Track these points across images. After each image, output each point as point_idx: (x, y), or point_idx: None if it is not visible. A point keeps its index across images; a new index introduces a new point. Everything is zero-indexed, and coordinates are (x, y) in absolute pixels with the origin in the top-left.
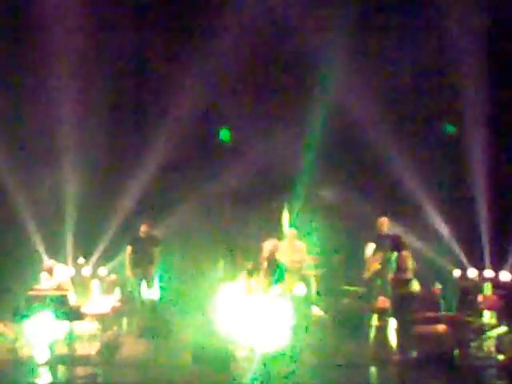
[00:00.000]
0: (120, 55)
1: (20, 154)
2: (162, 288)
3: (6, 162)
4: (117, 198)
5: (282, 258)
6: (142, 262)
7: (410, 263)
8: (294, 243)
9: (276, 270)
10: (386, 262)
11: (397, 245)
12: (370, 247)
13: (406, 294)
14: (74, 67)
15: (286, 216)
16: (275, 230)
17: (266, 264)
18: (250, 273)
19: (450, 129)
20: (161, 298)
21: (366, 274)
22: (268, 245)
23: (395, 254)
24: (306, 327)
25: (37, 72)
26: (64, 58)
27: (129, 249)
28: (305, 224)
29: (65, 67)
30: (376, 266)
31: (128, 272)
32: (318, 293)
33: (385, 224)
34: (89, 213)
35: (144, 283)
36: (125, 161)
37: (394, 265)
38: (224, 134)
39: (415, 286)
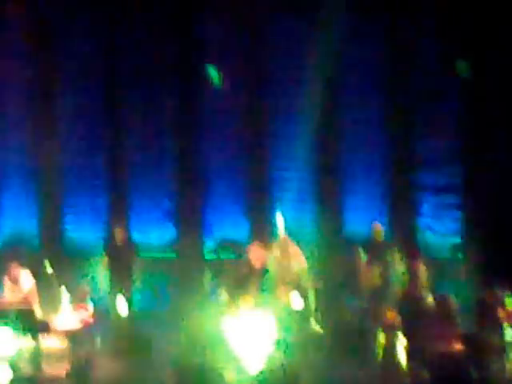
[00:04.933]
0: None
1: None
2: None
3: None
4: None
5: (275, 267)
6: (119, 273)
7: (425, 277)
8: (288, 250)
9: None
10: (387, 279)
11: (409, 254)
12: (361, 254)
13: (418, 311)
14: None
15: (279, 217)
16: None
17: (257, 276)
18: (236, 286)
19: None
20: (140, 313)
21: (362, 289)
22: (255, 253)
23: (407, 265)
24: (304, 346)
25: None
26: None
27: (104, 261)
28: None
29: None
30: (375, 282)
31: (103, 286)
32: (316, 307)
33: (380, 230)
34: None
35: (121, 297)
36: None
37: (404, 277)
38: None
39: (429, 301)
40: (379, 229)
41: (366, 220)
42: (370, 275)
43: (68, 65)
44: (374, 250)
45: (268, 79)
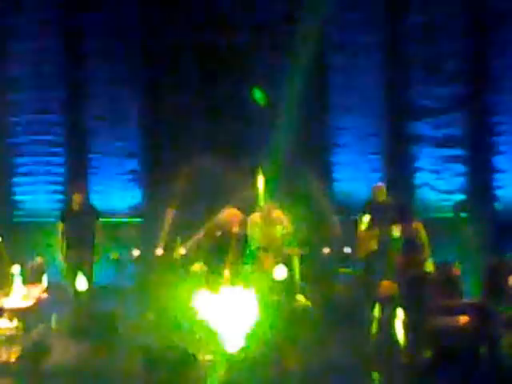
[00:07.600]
0: None
1: None
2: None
3: None
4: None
5: (256, 232)
6: (77, 242)
7: (423, 238)
8: (271, 215)
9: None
10: (386, 242)
11: (403, 215)
12: (366, 220)
13: (418, 278)
14: None
15: (261, 181)
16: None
17: (234, 242)
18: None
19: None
20: (102, 287)
21: (358, 254)
22: (230, 216)
23: (401, 227)
24: (289, 321)
25: None
26: None
27: (60, 226)
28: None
29: None
30: (372, 246)
31: (60, 256)
32: (303, 277)
33: (381, 191)
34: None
35: (80, 270)
36: None
37: (401, 241)
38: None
39: (429, 267)
40: (382, 189)
41: (357, 177)
42: (365, 240)
43: None
44: (374, 211)
45: None
